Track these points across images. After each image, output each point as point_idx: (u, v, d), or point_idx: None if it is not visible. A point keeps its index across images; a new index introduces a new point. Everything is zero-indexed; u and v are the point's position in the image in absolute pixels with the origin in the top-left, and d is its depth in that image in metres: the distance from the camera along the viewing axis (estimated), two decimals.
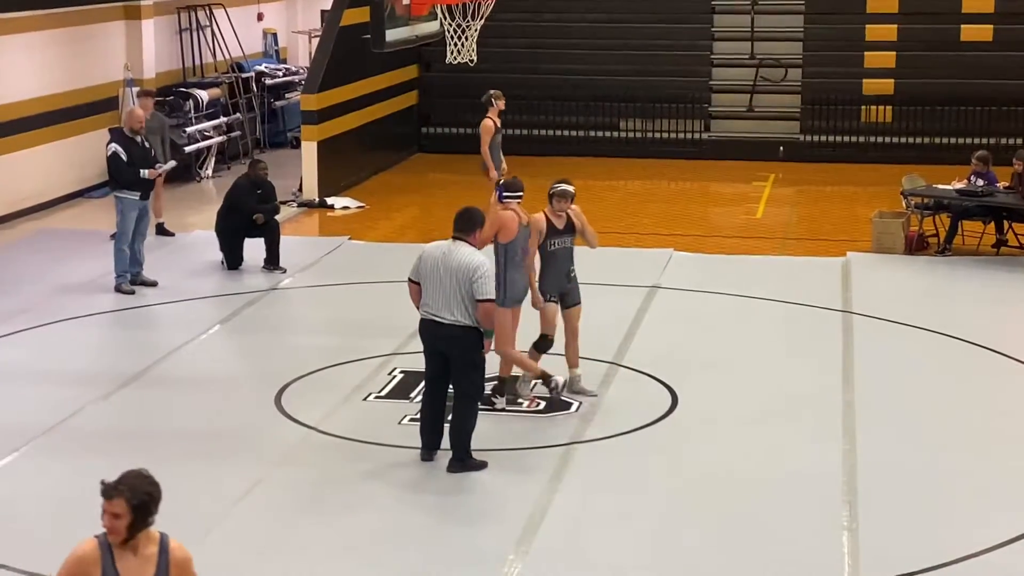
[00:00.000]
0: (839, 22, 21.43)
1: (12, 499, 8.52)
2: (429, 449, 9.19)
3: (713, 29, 21.96)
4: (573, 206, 10.24)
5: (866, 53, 21.17)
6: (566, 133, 21.70)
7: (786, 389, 10.74)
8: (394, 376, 10.79)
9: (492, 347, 9.33)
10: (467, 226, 9.10)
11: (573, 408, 10.10)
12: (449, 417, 9.13)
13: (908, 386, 10.94)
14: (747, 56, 21.59)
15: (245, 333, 12.45)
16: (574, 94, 21.68)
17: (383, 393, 10.48)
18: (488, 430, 9.40)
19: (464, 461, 9.12)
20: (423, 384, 9.44)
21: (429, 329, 9.03)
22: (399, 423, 9.78)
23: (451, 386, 9.12)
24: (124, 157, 13.31)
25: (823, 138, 21.11)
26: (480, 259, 8.96)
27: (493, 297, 9.05)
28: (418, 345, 9.29)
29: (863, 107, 20.80)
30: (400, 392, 10.44)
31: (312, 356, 11.21)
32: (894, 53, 21.09)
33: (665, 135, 21.64)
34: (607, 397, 10.45)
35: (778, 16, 21.66)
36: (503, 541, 7.90)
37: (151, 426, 9.83)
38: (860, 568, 7.59)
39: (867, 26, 21.17)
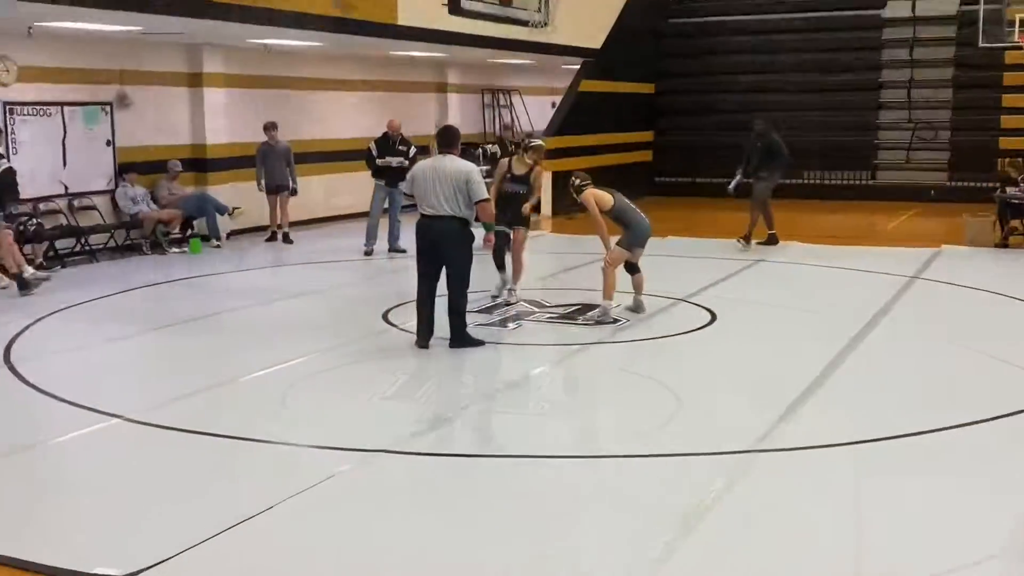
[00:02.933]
0: (980, 93, 19.69)
1: None
2: (425, 338, 8.28)
3: (879, 100, 20.87)
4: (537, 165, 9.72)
5: (1002, 116, 19.27)
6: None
7: (817, 319, 9.53)
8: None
9: (492, 240, 8.64)
10: (451, 141, 8.29)
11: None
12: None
13: (927, 316, 9.53)
14: (906, 120, 20.17)
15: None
16: None
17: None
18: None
19: (463, 338, 8.26)
20: (418, 283, 8.35)
21: (427, 224, 8.15)
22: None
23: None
24: (375, 152, 13.46)
25: (966, 184, 19.36)
26: (470, 166, 8.14)
27: (487, 197, 8.20)
28: None
29: (999, 159, 19.29)
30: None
31: None
32: None
33: (840, 182, 20.93)
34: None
35: (931, 89, 20.29)
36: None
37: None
38: (773, 440, 6.31)
39: (1003, 95, 19.46)
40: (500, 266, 10.02)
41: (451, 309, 8.32)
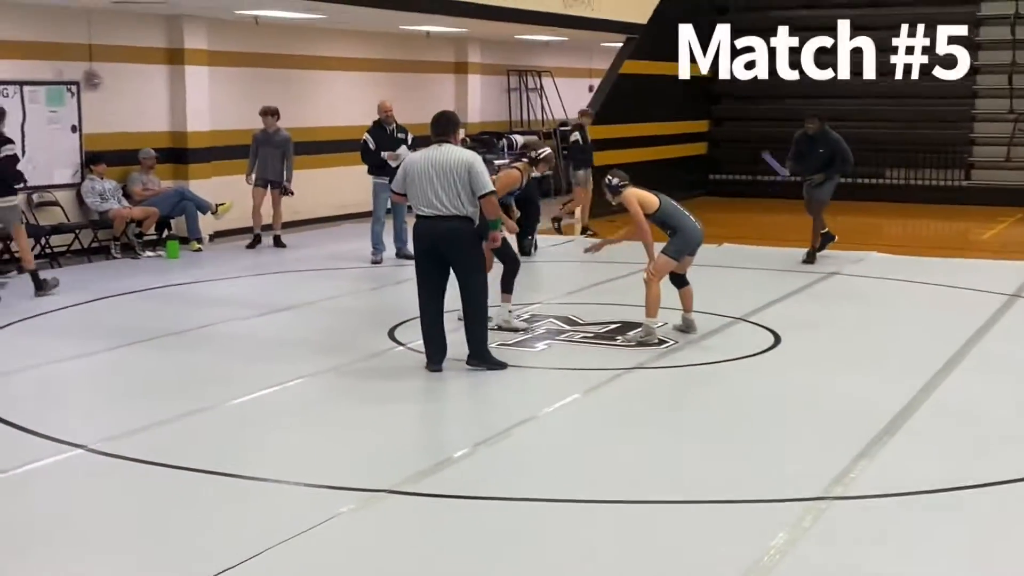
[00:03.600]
0: None
1: None
2: (438, 361, 8.24)
3: (975, 87, 20.65)
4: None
5: None
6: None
7: (899, 343, 9.49)
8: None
9: (499, 238, 8.49)
10: (447, 128, 8.17)
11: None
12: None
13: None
14: (1007, 111, 20.08)
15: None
16: (847, 144, 21.06)
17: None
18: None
19: (484, 355, 8.24)
20: (420, 296, 8.30)
21: (427, 226, 8.06)
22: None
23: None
24: (372, 145, 13.45)
25: None
26: (471, 154, 8.08)
27: (493, 189, 8.10)
28: None
29: None
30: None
31: None
32: None
33: (928, 183, 20.80)
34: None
35: None
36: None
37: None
38: (844, 487, 6.25)
39: None
40: (508, 287, 9.80)
41: (468, 319, 8.32)
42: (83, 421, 7.27)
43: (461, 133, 8.53)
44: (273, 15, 15.07)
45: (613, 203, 9.57)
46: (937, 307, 11.20)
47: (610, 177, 9.44)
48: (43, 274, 11.53)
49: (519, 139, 20.70)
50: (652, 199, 9.37)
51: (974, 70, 20.57)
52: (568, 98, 23.36)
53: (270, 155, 14.63)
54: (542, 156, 10.04)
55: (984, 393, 7.93)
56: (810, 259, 13.45)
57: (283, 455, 6.67)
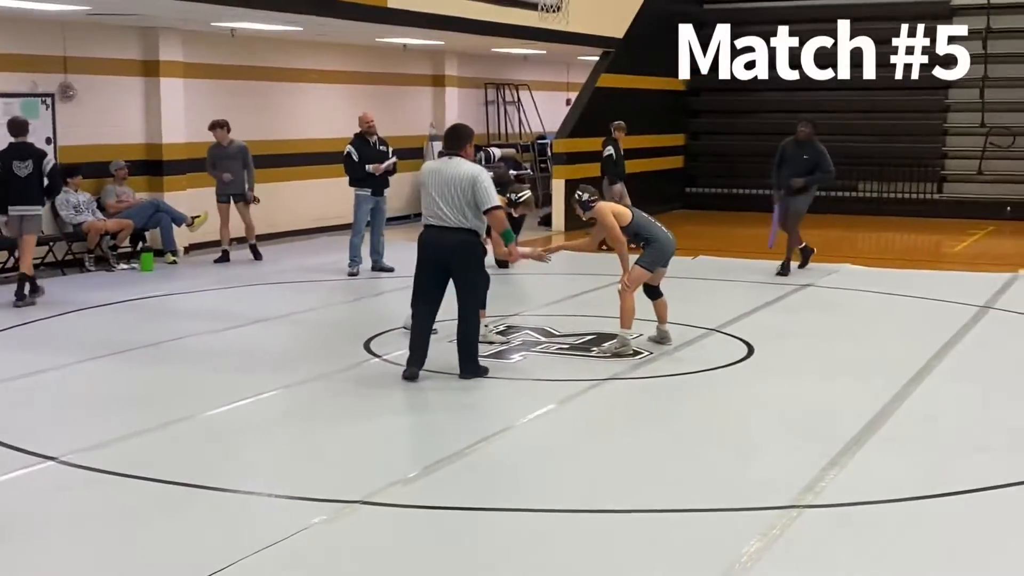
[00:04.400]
0: None
1: None
2: (417, 366, 8.29)
3: (947, 101, 20.72)
4: None
5: None
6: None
7: (871, 354, 9.47)
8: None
9: (516, 253, 8.60)
10: (457, 142, 8.29)
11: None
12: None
13: (999, 353, 9.52)
14: (978, 125, 20.16)
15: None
16: None
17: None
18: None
19: (476, 369, 8.37)
20: (416, 303, 8.39)
21: (434, 235, 8.16)
22: None
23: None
24: (356, 157, 13.42)
25: None
26: (477, 169, 8.17)
27: (498, 203, 8.21)
28: None
29: None
30: None
31: None
32: None
33: (900, 195, 20.95)
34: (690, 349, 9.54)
35: (1008, 89, 20.19)
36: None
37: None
38: (815, 495, 6.26)
39: None
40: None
41: (461, 334, 8.39)
42: (54, 433, 7.23)
43: (471, 148, 8.55)
44: (250, 27, 15.06)
45: (584, 218, 9.61)
46: (909, 318, 11.29)
47: (580, 193, 9.48)
48: (4, 289, 11.50)
49: (497, 152, 20.69)
50: (625, 212, 9.42)
51: (946, 84, 20.86)
52: (545, 111, 23.45)
53: (230, 167, 14.53)
54: (522, 200, 10.06)
55: (954, 403, 8.00)
56: (784, 271, 13.51)
57: (256, 467, 6.65)
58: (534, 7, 14.65)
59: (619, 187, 16.09)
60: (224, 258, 14.60)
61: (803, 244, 13.82)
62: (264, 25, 14.83)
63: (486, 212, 8.13)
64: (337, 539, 5.49)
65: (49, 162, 11.80)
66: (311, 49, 17.56)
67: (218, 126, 14.47)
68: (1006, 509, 5.95)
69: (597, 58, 19.92)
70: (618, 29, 19.50)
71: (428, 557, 5.32)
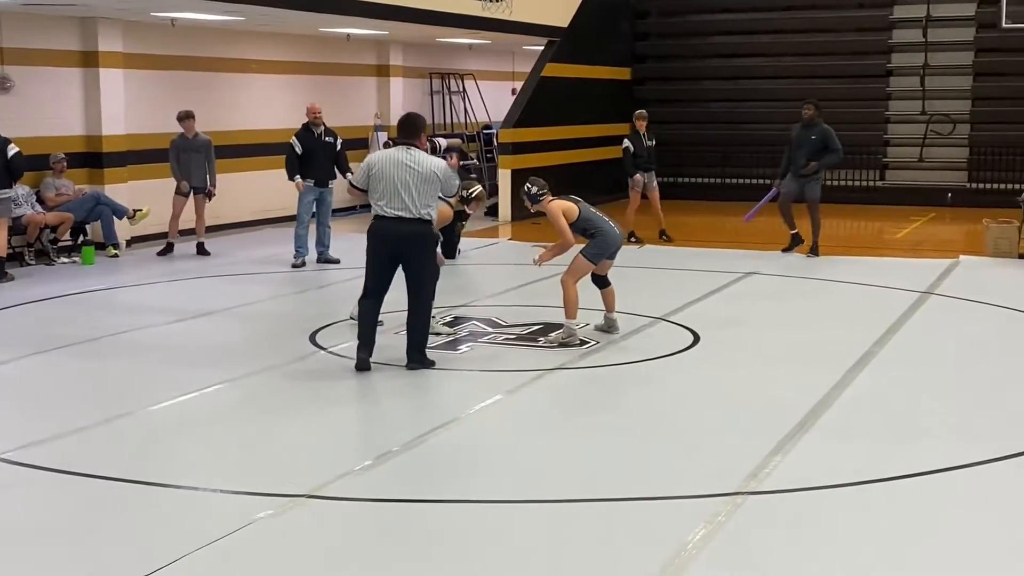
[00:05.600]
0: (1005, 80, 19.85)
1: None
2: (367, 355, 8.28)
3: (888, 89, 20.91)
4: None
5: None
6: (756, 181, 21.44)
7: (814, 341, 9.55)
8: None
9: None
10: (414, 132, 8.29)
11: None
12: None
13: (941, 337, 9.65)
14: (919, 112, 20.38)
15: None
16: (764, 146, 21.33)
17: None
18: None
19: (424, 360, 8.37)
20: (367, 294, 8.37)
21: (390, 227, 8.12)
22: None
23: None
24: (298, 149, 13.31)
25: (989, 186, 19.60)
26: (441, 161, 8.32)
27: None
28: None
29: None
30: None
31: None
32: None
33: (844, 183, 21.16)
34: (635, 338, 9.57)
35: (948, 77, 20.46)
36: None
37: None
38: (758, 482, 6.33)
39: None
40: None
41: (411, 325, 8.37)
42: None
43: (425, 137, 8.54)
44: (190, 17, 14.89)
45: (532, 210, 9.63)
46: (852, 305, 11.42)
47: (529, 185, 9.49)
48: None
49: (443, 142, 20.64)
50: (573, 208, 9.42)
51: (888, 72, 21.13)
52: (491, 101, 23.43)
53: (192, 160, 14.41)
54: (475, 195, 10.03)
55: (897, 388, 8.10)
56: (815, 252, 14.10)
57: (200, 462, 6.60)
58: None
59: (637, 176, 15.59)
60: (168, 249, 14.44)
61: (795, 230, 14.26)
62: (205, 15, 14.66)
63: (446, 198, 8.26)
64: (284, 533, 5.46)
65: (12, 148, 12.15)
66: (253, 39, 17.41)
67: (188, 117, 14.31)
68: (947, 493, 6.05)
69: (542, 48, 19.93)
70: (563, 19, 19.52)
71: (376, 550, 5.31)
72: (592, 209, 9.56)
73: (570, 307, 9.34)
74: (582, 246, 9.48)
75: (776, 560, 5.16)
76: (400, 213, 8.11)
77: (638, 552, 5.21)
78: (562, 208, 9.35)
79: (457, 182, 8.29)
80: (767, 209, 14.68)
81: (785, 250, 14.30)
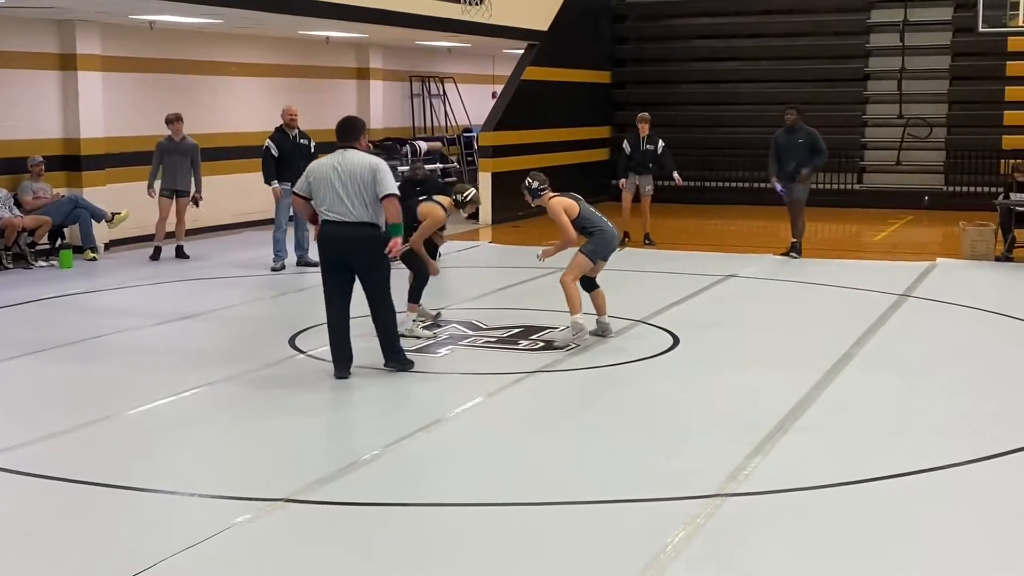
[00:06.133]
0: (980, 85, 19.98)
1: None
2: (345, 368, 8.20)
3: (866, 93, 20.97)
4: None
5: (1005, 112, 19.56)
6: (735, 184, 21.47)
7: (793, 343, 9.61)
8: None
9: (401, 244, 8.18)
10: (353, 134, 8.15)
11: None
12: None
13: (918, 340, 9.67)
14: (896, 116, 20.52)
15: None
16: (743, 150, 21.38)
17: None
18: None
19: (400, 359, 8.31)
20: (328, 302, 8.24)
21: (333, 233, 7.99)
22: None
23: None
24: (274, 152, 13.26)
25: (965, 189, 19.72)
26: (376, 159, 8.04)
27: (396, 192, 8.00)
28: None
29: (1002, 160, 19.73)
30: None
31: None
32: None
33: (822, 186, 21.22)
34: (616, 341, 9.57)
35: (924, 81, 20.51)
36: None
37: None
38: (738, 483, 6.34)
39: (1007, 88, 19.67)
40: (416, 297, 9.89)
41: (379, 328, 8.30)
42: None
43: (365, 139, 8.43)
44: (169, 20, 14.83)
45: (532, 205, 9.63)
46: (830, 307, 11.46)
47: (530, 180, 9.52)
48: None
49: (423, 145, 20.67)
50: (574, 205, 9.43)
51: (865, 76, 21.23)
52: (471, 104, 23.42)
53: (178, 163, 14.33)
54: (468, 198, 9.99)
55: (874, 390, 8.13)
56: (797, 253, 14.28)
57: (179, 466, 6.55)
58: (457, 0, 14.59)
59: (622, 180, 15.78)
60: (158, 253, 14.39)
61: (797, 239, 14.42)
62: (183, 17, 14.60)
63: (383, 198, 7.94)
64: (262, 538, 5.43)
65: None
66: (232, 41, 17.34)
67: (177, 120, 14.26)
68: (926, 495, 6.06)
69: (522, 51, 19.93)
70: (543, 22, 19.54)
71: (355, 554, 5.29)
72: (591, 208, 9.57)
73: (574, 304, 9.33)
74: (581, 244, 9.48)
75: (756, 561, 5.16)
76: (342, 217, 7.99)
77: (618, 554, 5.20)
78: (563, 205, 9.36)
79: (391, 184, 7.96)
80: (755, 212, 14.74)
81: (783, 254, 14.44)
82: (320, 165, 8.14)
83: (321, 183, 8.04)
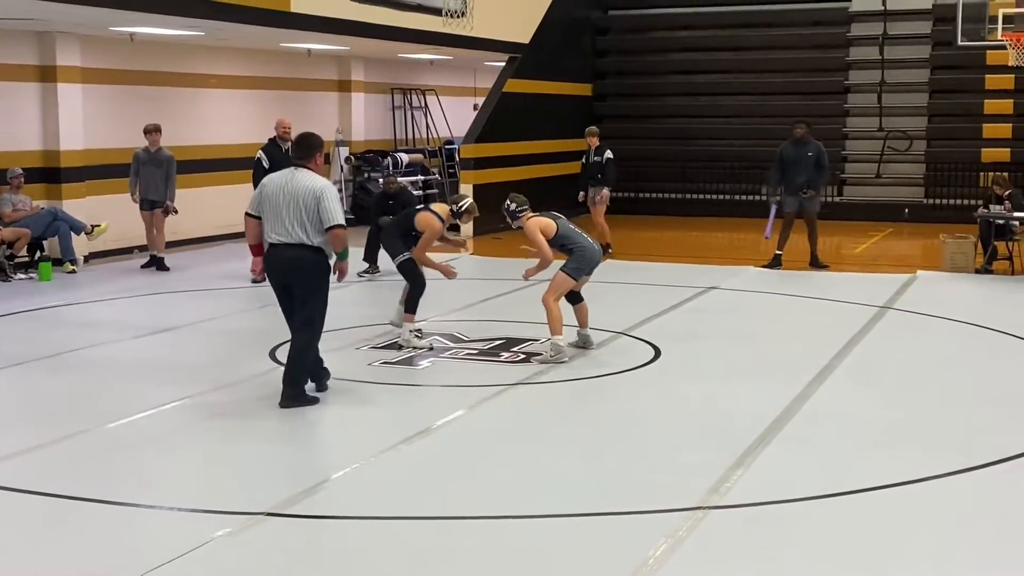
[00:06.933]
0: (960, 98, 20.12)
1: None
2: (322, 389, 8.08)
3: (846, 106, 21.03)
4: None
5: (984, 125, 19.71)
6: (715, 197, 21.48)
7: (774, 355, 9.63)
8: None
9: (348, 268, 7.98)
10: (307, 152, 7.87)
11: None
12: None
13: (898, 352, 9.72)
14: (876, 129, 20.65)
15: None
16: (724, 162, 21.31)
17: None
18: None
19: (299, 396, 7.85)
20: (289, 325, 8.01)
21: (277, 253, 7.69)
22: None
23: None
24: (266, 163, 12.91)
25: (945, 201, 19.84)
26: (323, 183, 7.71)
27: (342, 223, 7.67)
28: None
29: (981, 173, 19.86)
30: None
31: None
32: (1010, 125, 19.55)
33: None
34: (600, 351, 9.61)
35: (904, 94, 20.60)
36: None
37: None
38: (719, 496, 6.35)
39: (986, 101, 19.83)
40: (412, 307, 9.86)
41: (290, 354, 7.93)
42: None
43: (320, 158, 8.23)
44: (149, 32, 14.78)
45: (513, 227, 9.64)
46: (811, 319, 11.49)
47: (509, 202, 9.53)
48: None
49: (404, 157, 20.66)
50: (551, 224, 9.43)
51: (845, 89, 21.34)
52: (453, 116, 23.42)
53: (152, 175, 14.30)
54: (465, 208, 9.94)
55: (855, 401, 8.15)
56: (817, 263, 14.53)
57: (158, 480, 6.51)
58: (438, 12, 14.56)
59: (582, 194, 15.92)
60: (151, 263, 14.45)
61: (780, 252, 14.53)
62: (164, 29, 14.56)
63: (328, 230, 7.65)
64: (242, 552, 5.40)
65: None
66: (213, 54, 17.31)
67: (154, 131, 14.23)
68: (907, 506, 6.07)
69: (504, 63, 19.96)
70: (524, 35, 19.57)
71: (336, 569, 5.25)
72: (571, 225, 9.57)
73: (555, 324, 9.30)
74: (562, 262, 9.47)
75: (738, 575, 5.15)
76: (282, 239, 7.67)
77: (599, 567, 5.19)
78: (539, 225, 9.37)
79: (337, 214, 7.65)
80: (736, 224, 14.79)
81: (765, 266, 14.44)
82: (271, 182, 7.85)
83: (267, 202, 7.76)
